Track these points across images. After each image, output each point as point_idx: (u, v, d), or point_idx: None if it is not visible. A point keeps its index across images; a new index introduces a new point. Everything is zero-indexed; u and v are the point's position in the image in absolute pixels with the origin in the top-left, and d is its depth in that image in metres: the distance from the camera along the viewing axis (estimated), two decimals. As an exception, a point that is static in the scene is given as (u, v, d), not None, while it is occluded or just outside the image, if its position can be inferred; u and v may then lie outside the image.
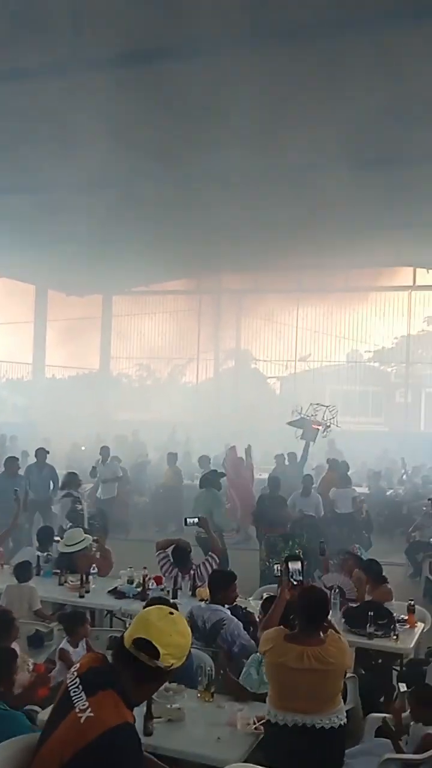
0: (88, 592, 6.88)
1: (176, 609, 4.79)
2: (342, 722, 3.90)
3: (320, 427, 14.05)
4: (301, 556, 6.92)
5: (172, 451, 14.45)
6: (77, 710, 2.28)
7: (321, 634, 3.97)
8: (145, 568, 7.16)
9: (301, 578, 4.67)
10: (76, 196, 12.63)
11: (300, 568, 4.76)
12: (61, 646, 5.24)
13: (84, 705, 2.28)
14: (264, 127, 9.97)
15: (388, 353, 22.25)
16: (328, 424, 14.20)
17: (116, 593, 6.86)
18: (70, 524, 9.02)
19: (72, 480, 10.01)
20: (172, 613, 2.45)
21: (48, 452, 11.68)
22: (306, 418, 14.16)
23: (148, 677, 2.35)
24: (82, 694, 2.32)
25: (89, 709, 2.26)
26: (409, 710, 4.50)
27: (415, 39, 8.00)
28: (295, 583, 4.51)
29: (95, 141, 10.27)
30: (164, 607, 2.52)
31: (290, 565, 4.78)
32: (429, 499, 11.36)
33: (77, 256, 16.98)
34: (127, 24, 7.76)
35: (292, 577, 4.66)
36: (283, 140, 10.42)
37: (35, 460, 11.57)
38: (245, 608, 5.88)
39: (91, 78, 8.69)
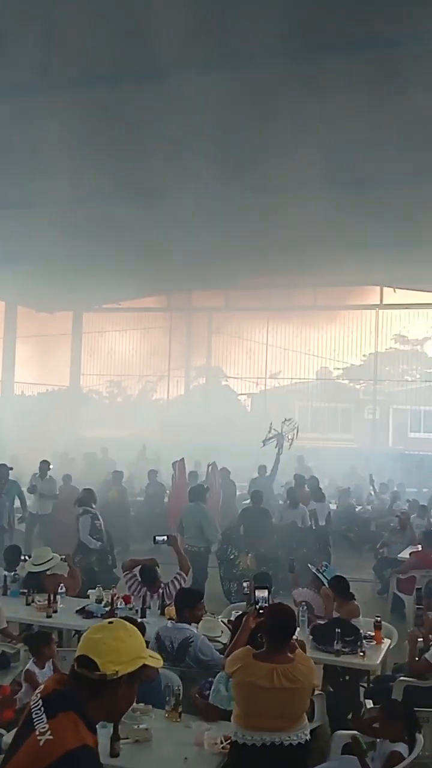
0: (56, 612, 6.81)
1: (144, 627, 4.82)
2: (307, 738, 3.94)
3: (291, 440, 15.04)
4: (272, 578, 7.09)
5: (118, 470, 14.46)
6: (37, 733, 2.27)
7: (289, 653, 3.99)
8: (113, 587, 7.13)
9: (266, 605, 4.73)
10: (47, 213, 12.63)
11: (266, 596, 4.84)
12: (27, 667, 5.19)
13: (44, 728, 2.27)
14: (233, 148, 10.12)
15: (357, 370, 22.52)
16: (290, 437, 15.05)
17: (84, 613, 6.81)
18: (97, 541, 9.25)
19: (89, 496, 9.89)
20: (111, 622, 2.45)
21: (11, 468, 11.52)
22: (281, 434, 14.94)
23: (99, 691, 2.34)
24: (43, 716, 2.30)
25: (48, 732, 2.25)
26: (378, 726, 4.53)
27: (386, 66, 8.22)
28: (260, 611, 4.55)
29: (65, 159, 10.35)
30: (107, 620, 2.53)
31: (257, 593, 4.85)
32: (397, 516, 11.49)
33: (47, 272, 16.96)
34: (93, 46, 7.85)
35: (257, 604, 4.71)
36: (253, 161, 10.62)
37: None
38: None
39: (58, 98, 8.76)
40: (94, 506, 9.73)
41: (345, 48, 7.89)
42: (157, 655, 2.81)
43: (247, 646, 4.04)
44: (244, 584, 6.94)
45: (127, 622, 2.48)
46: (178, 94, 8.63)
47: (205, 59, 7.88)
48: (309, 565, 7.32)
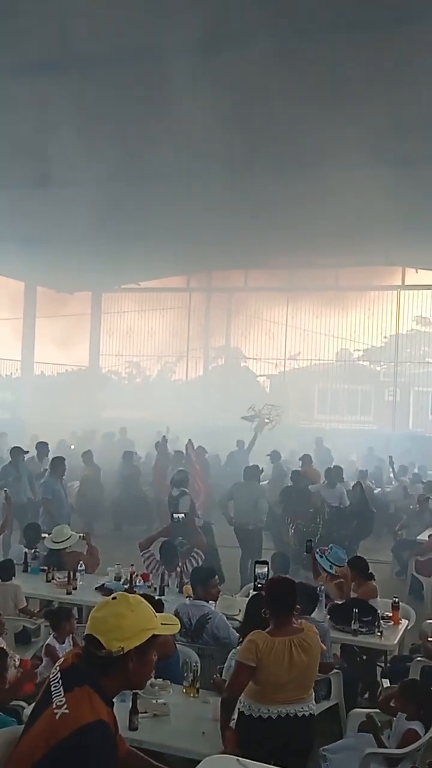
0: (75, 588, 6.90)
1: (162, 605, 4.87)
2: (315, 710, 4.03)
3: (268, 422, 16.08)
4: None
5: (128, 450, 14.54)
6: (54, 706, 2.30)
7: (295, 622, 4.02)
8: (132, 564, 7.19)
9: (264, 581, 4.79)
10: (67, 193, 12.61)
11: (265, 572, 4.90)
12: (47, 642, 5.27)
13: (61, 701, 2.30)
14: (252, 128, 10.00)
15: (378, 352, 22.33)
16: (270, 419, 16.11)
17: (103, 590, 6.86)
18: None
19: (185, 477, 10.20)
20: (114, 598, 2.46)
21: (26, 452, 11.46)
22: (258, 415, 16.03)
23: (109, 668, 2.36)
24: (61, 689, 2.34)
25: (65, 706, 2.28)
26: (394, 703, 4.55)
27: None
28: (260, 585, 4.59)
29: (84, 139, 10.30)
30: (111, 595, 2.53)
31: (257, 569, 4.90)
32: (424, 498, 11.35)
33: (67, 253, 16.97)
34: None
35: (257, 580, 4.75)
36: (273, 140, 10.50)
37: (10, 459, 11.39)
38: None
39: (74, 76, 8.70)
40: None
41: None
42: (173, 618, 2.81)
43: (256, 630, 4.02)
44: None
45: (129, 595, 2.48)
46: (202, 72, 8.51)
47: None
48: (314, 548, 7.24)
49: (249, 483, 10.20)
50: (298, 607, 4.19)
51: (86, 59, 8.86)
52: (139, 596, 2.55)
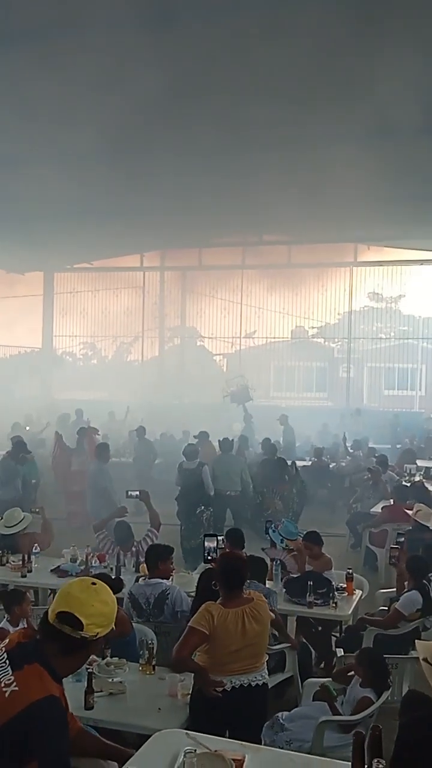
0: (30, 571, 6.85)
1: (122, 583, 4.87)
2: (268, 679, 4.11)
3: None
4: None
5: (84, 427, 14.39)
6: (2, 685, 2.30)
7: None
8: (87, 546, 7.16)
9: (215, 555, 4.84)
10: (15, 171, 12.30)
11: (215, 546, 4.96)
12: (0, 625, 5.20)
13: (9, 680, 2.29)
14: (209, 100, 9.85)
15: (332, 329, 22.52)
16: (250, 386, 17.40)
17: (59, 572, 6.85)
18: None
19: (195, 451, 10.71)
20: (94, 583, 2.48)
21: None
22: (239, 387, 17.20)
23: (74, 648, 2.38)
24: (9, 668, 2.33)
25: (14, 684, 2.28)
26: (353, 672, 4.64)
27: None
28: (209, 558, 4.65)
29: (29, 115, 10.04)
30: (87, 578, 2.55)
31: (206, 543, 4.95)
32: (368, 469, 11.66)
33: (17, 232, 16.59)
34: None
35: (207, 554, 4.81)
36: (226, 116, 10.38)
37: None
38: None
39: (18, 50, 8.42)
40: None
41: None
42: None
43: (208, 601, 4.07)
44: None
45: (107, 586, 2.54)
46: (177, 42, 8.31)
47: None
48: (268, 524, 7.39)
49: (228, 455, 11.21)
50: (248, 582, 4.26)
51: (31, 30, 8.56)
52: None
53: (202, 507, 9.96)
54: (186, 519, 9.98)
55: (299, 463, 14.29)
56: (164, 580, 5.44)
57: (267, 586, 5.81)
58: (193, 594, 5.81)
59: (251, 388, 17.55)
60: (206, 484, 10.09)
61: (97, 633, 2.37)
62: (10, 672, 2.31)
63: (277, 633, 5.21)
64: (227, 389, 17.32)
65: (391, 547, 7.05)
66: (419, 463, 13.39)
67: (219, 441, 11.92)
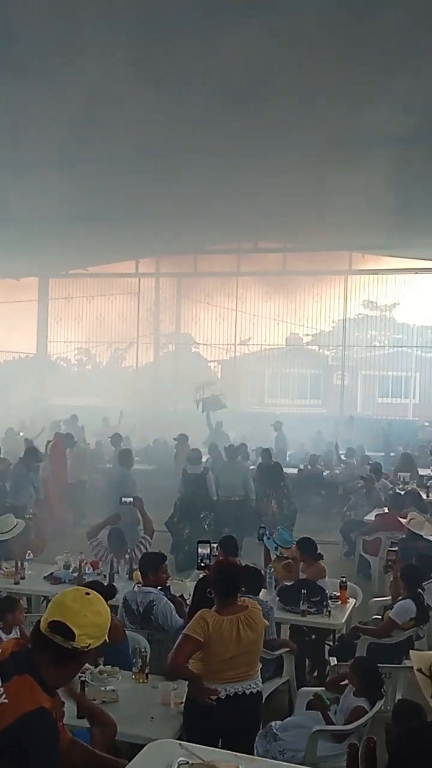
0: (23, 578, 6.82)
1: (115, 590, 4.85)
2: (261, 687, 4.11)
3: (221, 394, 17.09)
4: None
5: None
6: None
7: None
8: (81, 553, 7.13)
9: (209, 561, 4.84)
10: (11, 176, 12.30)
11: (208, 552, 4.96)
12: (-8, 633, 5.17)
13: None
14: (203, 109, 9.89)
15: (326, 336, 22.56)
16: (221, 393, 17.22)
17: (52, 578, 6.82)
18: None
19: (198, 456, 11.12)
20: (88, 594, 2.46)
21: None
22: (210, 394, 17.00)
23: (66, 659, 2.36)
24: None
25: (3, 695, 2.26)
26: (346, 681, 4.62)
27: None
28: (203, 564, 4.65)
29: (28, 119, 10.05)
30: (81, 588, 2.53)
31: (200, 549, 4.94)
32: (362, 477, 11.66)
33: (11, 237, 16.57)
34: None
35: (201, 560, 4.81)
36: (218, 123, 10.41)
37: None
38: (170, 589, 5.90)
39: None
40: None
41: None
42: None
43: (203, 609, 4.06)
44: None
45: (101, 597, 2.52)
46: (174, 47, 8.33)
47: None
48: (262, 531, 7.37)
49: (235, 462, 11.53)
50: (243, 589, 4.25)
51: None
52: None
53: (205, 512, 10.10)
54: (188, 523, 10.05)
55: (292, 471, 14.41)
56: (153, 589, 5.41)
57: (261, 595, 5.79)
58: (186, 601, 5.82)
59: (222, 394, 17.15)
60: (210, 489, 10.29)
61: (89, 644, 2.35)
62: (1, 683, 2.30)
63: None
64: (197, 396, 16.98)
65: (389, 550, 7.06)
66: (420, 471, 13.35)
67: (224, 448, 12.21)
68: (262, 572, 6.14)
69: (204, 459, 12.18)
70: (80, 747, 2.68)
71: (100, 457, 14.81)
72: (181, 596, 5.69)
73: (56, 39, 8.12)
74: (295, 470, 14.07)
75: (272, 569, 6.74)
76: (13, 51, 8.28)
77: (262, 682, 4.22)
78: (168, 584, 5.66)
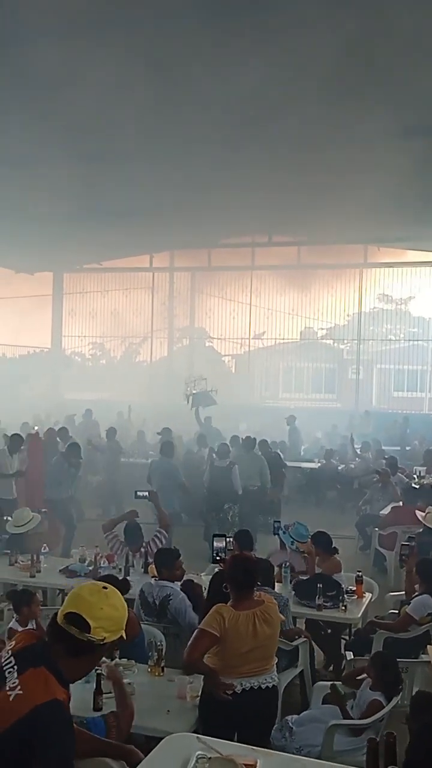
0: (39, 571, 6.85)
1: (129, 585, 4.84)
2: (277, 681, 4.08)
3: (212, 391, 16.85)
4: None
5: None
6: (7, 688, 2.28)
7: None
8: (96, 546, 7.15)
9: (224, 555, 4.84)
10: (26, 172, 12.31)
11: (224, 546, 4.95)
12: (9, 625, 5.20)
13: (14, 683, 2.28)
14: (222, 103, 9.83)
15: (341, 330, 22.44)
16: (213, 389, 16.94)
17: (68, 572, 6.84)
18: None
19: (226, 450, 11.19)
20: (105, 588, 2.45)
21: None
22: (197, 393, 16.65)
23: (81, 652, 2.35)
24: (14, 671, 2.31)
25: (18, 687, 2.26)
26: (363, 676, 4.59)
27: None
28: (218, 558, 4.65)
29: (41, 116, 10.04)
30: (98, 582, 2.53)
31: (215, 543, 4.93)
32: (377, 471, 11.59)
33: (27, 232, 16.63)
34: None
35: (216, 554, 4.79)
36: (236, 119, 10.36)
37: None
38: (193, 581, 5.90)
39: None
40: None
41: None
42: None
43: (218, 603, 4.03)
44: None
45: (118, 592, 2.52)
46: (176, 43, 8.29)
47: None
48: (277, 524, 7.36)
49: (253, 453, 11.66)
50: (258, 583, 4.23)
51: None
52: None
53: (229, 504, 10.32)
54: (214, 515, 10.39)
55: (308, 465, 14.36)
56: (170, 584, 5.41)
57: (276, 589, 5.77)
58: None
59: (213, 390, 16.82)
60: (235, 483, 10.43)
61: (105, 638, 2.34)
62: (16, 675, 2.30)
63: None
64: (187, 390, 16.68)
65: (402, 544, 7.01)
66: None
67: (242, 440, 12.30)
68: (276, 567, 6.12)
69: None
70: (84, 735, 2.69)
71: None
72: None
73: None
74: (317, 464, 14.04)
75: (286, 564, 6.72)
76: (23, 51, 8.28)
77: (278, 673, 4.20)
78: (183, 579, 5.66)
